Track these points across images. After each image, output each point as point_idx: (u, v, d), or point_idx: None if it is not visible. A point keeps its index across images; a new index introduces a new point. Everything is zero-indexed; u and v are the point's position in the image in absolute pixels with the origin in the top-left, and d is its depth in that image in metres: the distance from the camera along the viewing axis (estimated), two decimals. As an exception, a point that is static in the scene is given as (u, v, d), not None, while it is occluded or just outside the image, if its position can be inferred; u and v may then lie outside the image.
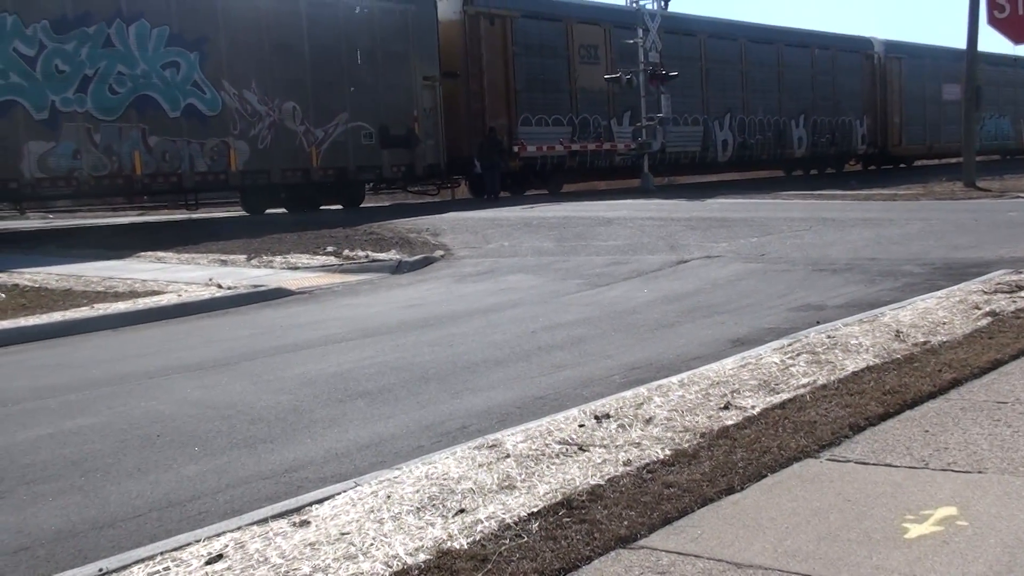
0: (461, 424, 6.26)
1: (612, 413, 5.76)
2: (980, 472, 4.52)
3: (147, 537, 4.51)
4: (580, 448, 5.11)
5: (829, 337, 7.64)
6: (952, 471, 4.56)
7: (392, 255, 16.10)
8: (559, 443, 5.22)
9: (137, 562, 3.94)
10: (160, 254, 17.40)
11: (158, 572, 3.82)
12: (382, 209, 27.49)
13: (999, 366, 6.50)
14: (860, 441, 5.09)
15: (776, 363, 6.86)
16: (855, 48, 44.70)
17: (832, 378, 6.33)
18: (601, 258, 15.25)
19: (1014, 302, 8.77)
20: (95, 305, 11.85)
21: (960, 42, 29.44)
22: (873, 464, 4.73)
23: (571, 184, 34.23)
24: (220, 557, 3.93)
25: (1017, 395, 5.79)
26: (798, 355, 7.07)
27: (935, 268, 12.21)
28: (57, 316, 11.19)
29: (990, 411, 5.49)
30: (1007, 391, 5.90)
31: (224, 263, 16.16)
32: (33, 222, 29.92)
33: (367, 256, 16.06)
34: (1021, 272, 10.58)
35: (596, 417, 5.68)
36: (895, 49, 46.48)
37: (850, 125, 44.17)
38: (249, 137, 24.49)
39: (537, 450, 5.10)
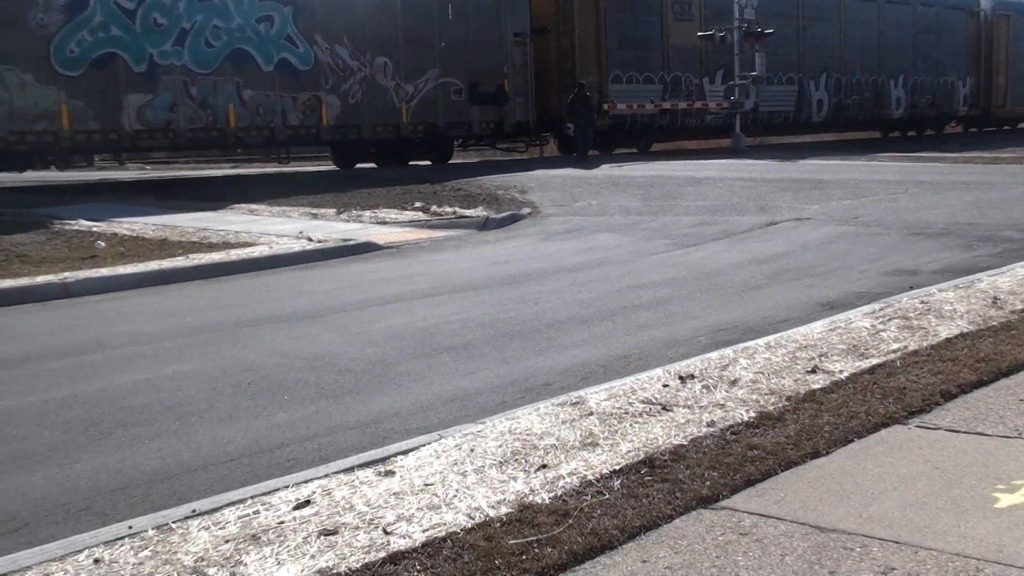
0: (545, 381, 6.29)
1: (696, 374, 5.73)
2: (1077, 444, 4.40)
3: (238, 481, 4.65)
4: (663, 408, 5.10)
5: (922, 303, 7.46)
6: (1047, 442, 4.44)
7: (479, 212, 16.15)
8: (642, 402, 5.21)
9: (228, 505, 4.06)
10: (252, 206, 17.73)
11: (248, 515, 3.94)
12: (470, 166, 27.57)
13: (1102, 336, 6.28)
14: (951, 409, 4.98)
15: (866, 327, 6.73)
16: (960, 5, 43.05)
17: (924, 344, 6.20)
18: (689, 218, 15.09)
19: (1120, 271, 8.45)
20: (190, 255, 12.15)
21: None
22: (964, 432, 4.63)
23: (661, 143, 33.81)
24: (308, 503, 4.03)
25: (1120, 367, 5.60)
26: (889, 320, 6.92)
27: (1037, 234, 11.81)
28: (154, 265, 11.51)
29: (1090, 382, 5.33)
30: (1109, 362, 5.71)
31: (314, 216, 16.41)
32: (131, 173, 30.73)
33: (454, 212, 16.15)
34: None
35: (680, 377, 5.66)
36: (1003, 6, 44.64)
37: (952, 86, 42.70)
38: (340, 92, 24.69)
39: (620, 408, 5.11)
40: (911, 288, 8.43)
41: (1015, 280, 8.26)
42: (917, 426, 4.75)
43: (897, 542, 3.49)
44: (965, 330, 6.52)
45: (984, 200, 15.68)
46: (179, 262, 11.70)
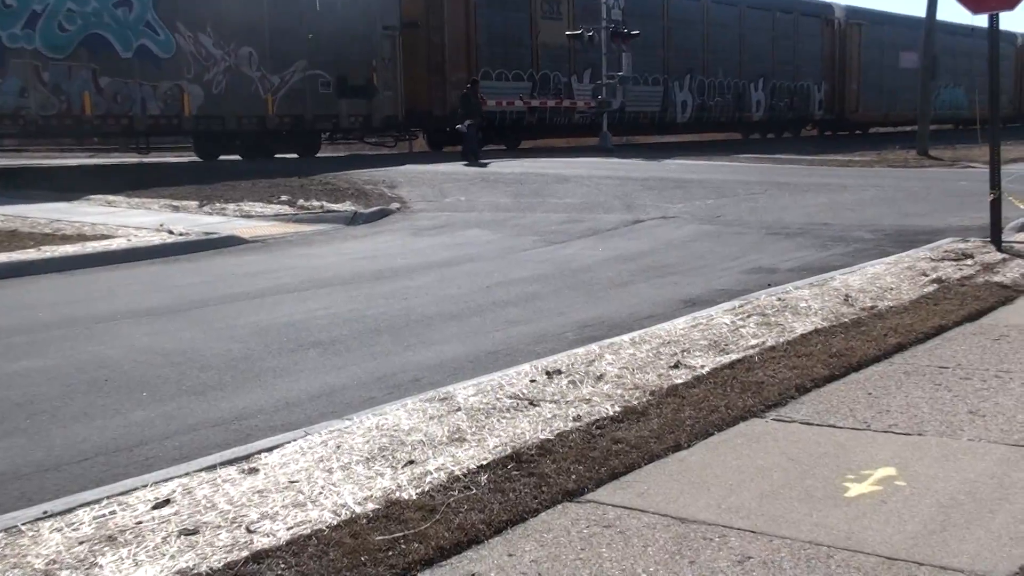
0: (413, 376, 6.27)
1: (563, 369, 5.79)
2: (920, 434, 4.62)
3: (93, 481, 4.48)
4: (531, 403, 5.14)
5: (780, 300, 7.73)
6: (893, 433, 4.65)
7: (347, 206, 15.98)
8: (510, 397, 5.25)
9: (82, 505, 3.91)
10: (110, 198, 17.12)
11: (104, 516, 3.80)
12: (338, 159, 27.21)
13: (942, 332, 6.63)
14: (806, 402, 5.17)
15: (727, 324, 6.93)
16: (816, 13, 44.82)
17: (781, 340, 6.42)
18: (557, 215, 15.26)
19: (960, 270, 8.93)
20: (42, 247, 11.65)
21: (919, 10, 29.63)
22: (817, 425, 4.81)
23: (529, 140, 34.10)
24: (167, 502, 3.91)
25: (958, 360, 5.92)
26: (749, 316, 7.15)
27: (886, 234, 12.38)
28: (2, 257, 10.99)
29: (932, 376, 5.61)
30: (949, 356, 6.02)
31: (176, 209, 15.95)
32: (-21, 161, 29.26)
33: (322, 206, 15.93)
34: (968, 240, 10.76)
35: (547, 373, 5.72)
36: (856, 15, 46.67)
37: (808, 90, 44.38)
38: (203, 81, 24.05)
39: (488, 404, 5.13)
40: (769, 286, 8.73)
41: (865, 278, 8.64)
42: (774, 419, 4.92)
43: (754, 531, 3.60)
44: (819, 326, 6.78)
45: (838, 201, 16.35)
46: (30, 254, 11.21)
